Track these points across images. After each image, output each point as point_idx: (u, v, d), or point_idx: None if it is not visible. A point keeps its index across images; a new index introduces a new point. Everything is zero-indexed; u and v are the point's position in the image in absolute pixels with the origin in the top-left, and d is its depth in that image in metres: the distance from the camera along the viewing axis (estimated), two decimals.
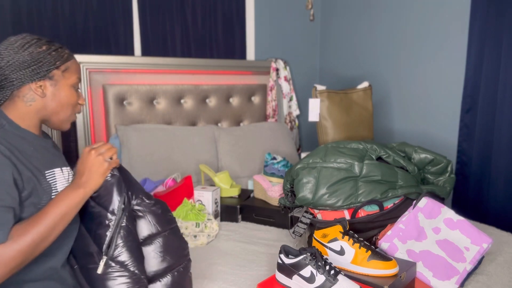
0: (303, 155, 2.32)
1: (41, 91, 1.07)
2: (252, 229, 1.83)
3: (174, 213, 1.69)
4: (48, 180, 1.05)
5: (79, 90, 1.16)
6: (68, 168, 1.17)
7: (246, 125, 2.69)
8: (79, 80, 1.14)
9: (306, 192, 1.56)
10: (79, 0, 2.27)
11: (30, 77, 1.04)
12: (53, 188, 1.06)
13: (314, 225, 1.52)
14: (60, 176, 1.10)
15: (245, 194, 2.11)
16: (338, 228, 1.30)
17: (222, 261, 1.50)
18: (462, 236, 1.38)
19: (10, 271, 0.90)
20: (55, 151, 1.17)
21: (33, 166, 1.01)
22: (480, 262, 1.39)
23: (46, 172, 1.05)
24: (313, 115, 2.31)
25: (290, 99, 2.98)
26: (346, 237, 1.28)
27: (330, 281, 1.12)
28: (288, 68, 2.96)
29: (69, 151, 2.31)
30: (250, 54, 2.92)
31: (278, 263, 1.23)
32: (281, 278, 1.22)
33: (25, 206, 0.98)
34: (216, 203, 1.90)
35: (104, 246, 1.01)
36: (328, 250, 1.29)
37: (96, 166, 1.03)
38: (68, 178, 1.14)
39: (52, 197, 1.03)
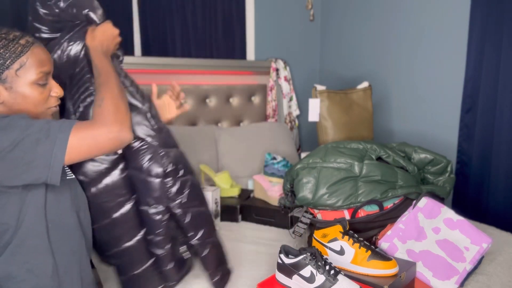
0: (303, 155, 2.32)
1: None
2: (252, 229, 1.83)
3: None
4: None
5: (50, 81, 1.02)
6: None
7: (246, 125, 2.69)
8: (45, 73, 0.99)
9: (306, 192, 1.56)
10: None
11: None
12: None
13: (314, 225, 1.52)
14: None
15: (245, 194, 2.11)
16: (338, 228, 1.30)
17: None
18: (462, 236, 1.38)
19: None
20: None
21: None
22: (480, 262, 1.39)
23: None
24: (313, 115, 2.31)
25: (290, 99, 2.98)
26: (346, 237, 1.28)
27: (330, 281, 1.12)
28: (288, 68, 2.96)
29: None
30: (250, 54, 2.92)
31: (278, 263, 1.23)
32: (281, 278, 1.22)
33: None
34: (216, 203, 1.90)
35: None
36: (328, 250, 1.29)
37: (113, 39, 1.18)
38: None
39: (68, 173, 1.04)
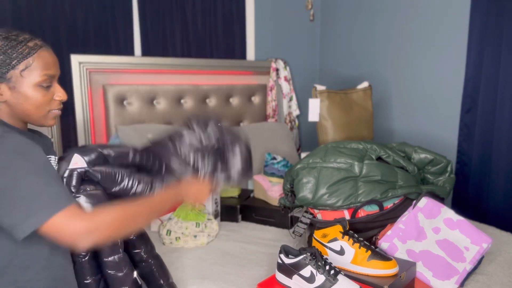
0: (303, 155, 2.32)
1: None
2: (252, 229, 1.83)
3: (175, 213, 1.69)
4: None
5: (54, 84, 1.03)
6: (55, 157, 1.12)
7: (246, 125, 2.69)
8: (49, 76, 0.99)
9: (306, 192, 1.56)
10: (79, 0, 2.27)
11: None
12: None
13: (314, 225, 1.52)
14: (53, 162, 1.08)
15: (245, 194, 2.11)
16: (338, 228, 1.30)
17: (222, 261, 1.50)
18: (462, 236, 1.38)
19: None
20: (44, 142, 1.12)
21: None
22: (480, 262, 1.39)
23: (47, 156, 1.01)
24: (313, 115, 2.31)
25: (290, 99, 2.98)
26: (346, 237, 1.28)
27: (330, 281, 1.12)
28: (288, 68, 2.96)
29: None
30: (250, 54, 2.92)
31: (278, 263, 1.23)
32: (281, 278, 1.22)
33: None
34: (216, 203, 1.90)
35: None
36: (328, 250, 1.29)
37: (200, 198, 1.17)
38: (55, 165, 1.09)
39: None
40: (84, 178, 1.11)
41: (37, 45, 0.99)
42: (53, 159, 1.09)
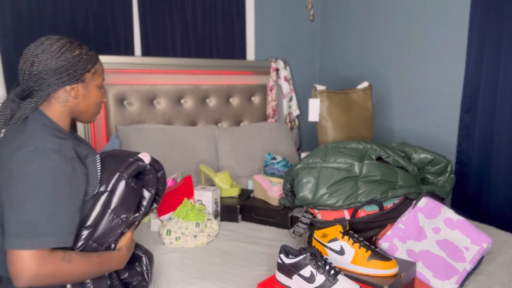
0: (303, 155, 2.32)
1: (75, 93, 1.14)
2: (252, 229, 1.83)
3: (174, 213, 1.69)
4: (92, 166, 1.11)
5: (102, 89, 1.23)
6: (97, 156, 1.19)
7: (246, 125, 2.69)
8: (103, 80, 1.22)
9: (306, 192, 1.56)
10: (79, 0, 2.27)
11: (67, 81, 1.11)
12: (98, 171, 1.11)
13: (314, 225, 1.52)
14: (98, 162, 1.14)
15: (245, 194, 2.11)
16: (338, 228, 1.30)
17: (222, 261, 1.50)
18: (462, 236, 1.38)
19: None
20: (85, 144, 1.22)
21: (83, 159, 1.09)
22: (480, 262, 1.39)
23: (88, 159, 1.11)
24: (313, 115, 2.31)
25: (290, 99, 2.98)
26: (346, 237, 1.28)
27: (330, 281, 1.12)
28: (288, 68, 2.96)
29: None
30: (250, 54, 2.92)
31: (278, 263, 1.23)
32: (281, 278, 1.22)
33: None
34: (216, 203, 1.90)
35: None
36: (328, 250, 1.29)
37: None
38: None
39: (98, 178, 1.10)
40: (138, 172, 1.20)
41: (96, 55, 1.19)
42: (97, 158, 1.15)
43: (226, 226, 1.86)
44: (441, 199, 1.62)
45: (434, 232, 1.40)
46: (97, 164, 1.11)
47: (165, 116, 2.49)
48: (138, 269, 1.27)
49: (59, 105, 1.13)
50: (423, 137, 2.45)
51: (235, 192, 2.07)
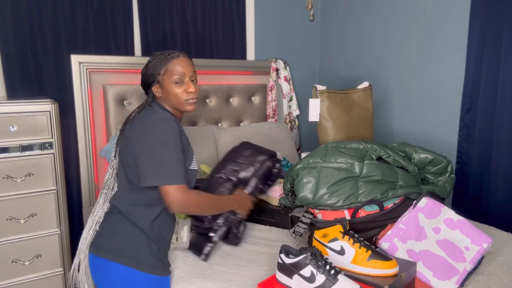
0: (303, 155, 2.32)
1: (157, 92, 1.47)
2: (252, 229, 1.83)
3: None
4: (190, 152, 1.45)
5: (186, 81, 1.45)
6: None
7: (246, 125, 2.69)
8: (181, 74, 1.43)
9: (306, 192, 1.56)
10: (79, 0, 2.27)
11: (151, 82, 1.47)
12: (190, 153, 1.44)
13: (314, 225, 1.52)
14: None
15: None
16: (338, 228, 1.30)
17: (222, 261, 1.50)
18: (462, 236, 1.38)
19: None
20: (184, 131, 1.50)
21: (186, 140, 1.43)
22: (480, 262, 1.39)
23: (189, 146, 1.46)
24: (313, 115, 2.30)
25: (290, 99, 2.98)
26: (346, 237, 1.28)
27: (330, 281, 1.12)
28: (288, 68, 2.96)
29: (69, 151, 2.31)
30: (250, 54, 2.92)
31: (278, 263, 1.23)
32: (282, 277, 1.22)
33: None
34: None
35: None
36: (328, 250, 1.29)
37: (246, 206, 1.67)
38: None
39: (193, 163, 1.45)
40: (268, 172, 1.78)
41: (173, 56, 1.45)
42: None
43: None
44: (441, 199, 1.62)
45: (434, 232, 1.40)
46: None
47: None
48: (241, 228, 1.65)
49: (160, 99, 1.48)
50: (423, 137, 2.45)
51: None
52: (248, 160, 1.76)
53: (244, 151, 1.81)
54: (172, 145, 1.32)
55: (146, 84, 1.49)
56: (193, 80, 1.47)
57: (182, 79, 1.43)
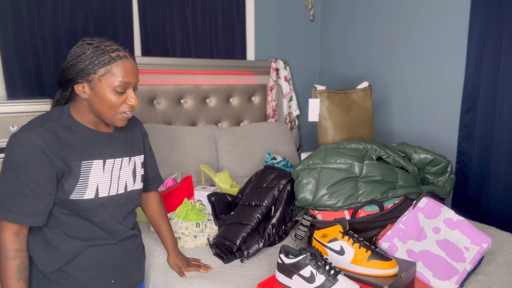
0: (303, 155, 2.32)
1: (82, 92, 1.14)
2: None
3: (174, 213, 1.69)
4: (81, 168, 1.13)
5: (128, 90, 1.15)
6: (125, 159, 1.24)
7: (246, 125, 2.69)
8: (126, 83, 1.13)
9: (306, 193, 1.56)
10: (79, 0, 2.27)
11: (76, 79, 1.14)
12: (81, 177, 1.13)
13: (314, 225, 1.52)
14: (97, 167, 1.16)
15: None
16: (338, 228, 1.30)
17: (221, 261, 1.50)
18: (462, 236, 1.38)
19: None
20: (116, 143, 1.23)
21: (66, 156, 1.11)
22: (480, 262, 1.39)
23: (83, 162, 1.14)
24: (313, 115, 2.30)
25: (290, 99, 2.98)
26: (346, 237, 1.28)
27: (330, 281, 1.12)
28: (288, 68, 2.96)
29: None
30: (250, 54, 2.92)
31: (278, 263, 1.23)
32: (281, 278, 1.22)
33: (58, 187, 1.12)
34: None
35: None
36: (328, 250, 1.29)
37: None
38: (119, 167, 1.22)
39: (79, 183, 1.13)
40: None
41: (119, 56, 1.13)
42: (99, 162, 1.17)
43: None
44: (441, 199, 1.62)
45: (434, 232, 1.40)
46: (83, 169, 1.14)
47: (165, 116, 2.49)
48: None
49: (80, 102, 1.16)
50: (423, 137, 2.45)
51: (235, 192, 2.07)
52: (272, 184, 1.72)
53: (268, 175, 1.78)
54: (12, 173, 1.07)
55: (68, 79, 1.16)
56: (134, 90, 1.18)
57: (125, 88, 1.13)
